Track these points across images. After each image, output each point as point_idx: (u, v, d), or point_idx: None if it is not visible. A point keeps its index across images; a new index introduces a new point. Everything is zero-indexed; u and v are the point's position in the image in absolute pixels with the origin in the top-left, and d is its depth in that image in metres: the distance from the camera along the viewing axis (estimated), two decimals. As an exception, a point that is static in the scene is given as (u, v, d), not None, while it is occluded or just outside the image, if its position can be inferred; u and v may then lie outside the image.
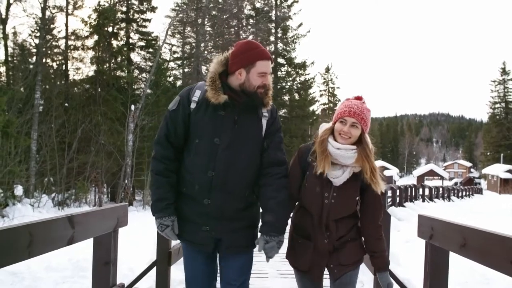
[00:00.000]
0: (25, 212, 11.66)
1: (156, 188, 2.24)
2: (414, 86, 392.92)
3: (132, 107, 19.02)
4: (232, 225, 2.23)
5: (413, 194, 18.54)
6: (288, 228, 2.41)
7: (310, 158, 2.28)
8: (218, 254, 2.39)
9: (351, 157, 2.16)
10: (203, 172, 2.19)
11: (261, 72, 2.18)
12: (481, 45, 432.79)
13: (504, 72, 60.43)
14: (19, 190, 12.22)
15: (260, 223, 2.30)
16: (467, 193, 31.61)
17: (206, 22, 26.78)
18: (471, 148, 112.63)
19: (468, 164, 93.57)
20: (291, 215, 2.45)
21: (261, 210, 2.32)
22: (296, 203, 2.42)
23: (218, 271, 2.46)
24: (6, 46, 18.09)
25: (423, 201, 19.97)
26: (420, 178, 67.13)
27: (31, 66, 19.07)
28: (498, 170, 52.74)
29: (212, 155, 2.18)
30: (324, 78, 44.82)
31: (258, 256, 2.47)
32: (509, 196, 36.29)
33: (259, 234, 2.30)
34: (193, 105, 2.22)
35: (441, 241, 2.43)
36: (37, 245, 1.78)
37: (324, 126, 2.33)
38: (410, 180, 66.83)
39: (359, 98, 2.27)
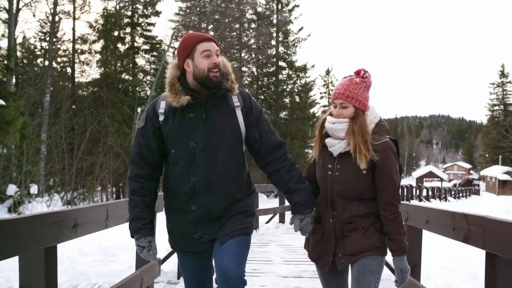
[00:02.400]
0: (41, 210, 12.36)
1: (131, 208, 2.19)
2: (414, 88, 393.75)
3: (139, 109, 19.70)
4: (221, 221, 2.19)
5: (410, 194, 19.17)
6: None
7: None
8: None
9: (343, 129, 2.14)
10: (185, 180, 2.14)
11: (203, 51, 2.10)
12: (482, 47, 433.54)
13: (503, 74, 60.98)
14: (34, 188, 12.88)
15: (291, 205, 2.28)
16: (464, 194, 32.21)
17: (209, 27, 27.40)
18: (471, 150, 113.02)
19: (468, 166, 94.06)
20: None
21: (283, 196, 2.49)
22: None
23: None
24: (15, 50, 18.77)
25: (420, 201, 20.64)
26: (419, 180, 67.70)
27: (36, 69, 19.77)
28: (496, 171, 53.33)
29: (190, 160, 2.13)
30: (325, 81, 45.39)
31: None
32: (505, 198, 36.82)
33: (290, 216, 2.29)
34: (161, 118, 2.16)
35: (413, 221, 3.07)
36: (112, 219, 2.44)
37: (328, 110, 2.32)
38: (409, 181, 67.31)
39: (358, 73, 2.21)
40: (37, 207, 12.56)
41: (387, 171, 2.11)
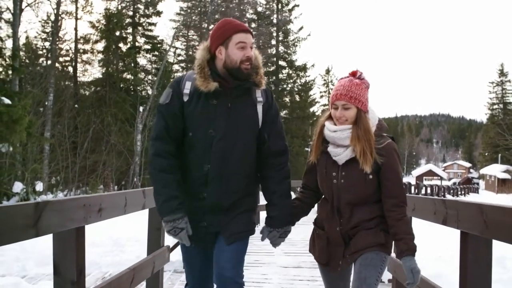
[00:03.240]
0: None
1: (162, 187, 2.05)
2: (414, 87, 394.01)
3: (141, 108, 20.01)
4: (229, 215, 2.14)
5: (409, 192, 19.45)
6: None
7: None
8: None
9: (347, 137, 2.08)
10: (198, 166, 2.09)
11: (239, 43, 2.05)
12: (482, 46, 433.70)
13: (502, 73, 61.29)
14: (40, 186, 13.17)
15: (266, 216, 2.25)
16: (462, 192, 32.50)
17: (210, 26, 27.68)
18: (471, 148, 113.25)
19: (468, 164, 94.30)
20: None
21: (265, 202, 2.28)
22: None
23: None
24: (18, 50, 19.05)
25: (418, 198, 20.89)
26: (419, 178, 68.03)
27: (39, 68, 20.07)
28: (495, 170, 53.61)
29: (207, 147, 2.07)
30: (325, 80, 45.59)
31: (266, 239, 2.25)
32: (504, 196, 37.09)
33: (263, 225, 2.26)
34: (185, 98, 2.10)
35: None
36: (130, 206, 2.72)
37: (326, 113, 2.28)
38: (409, 180, 67.64)
39: (354, 74, 2.16)
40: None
41: (393, 172, 2.08)
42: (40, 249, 5.26)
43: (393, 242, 2.22)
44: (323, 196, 2.27)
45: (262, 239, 2.24)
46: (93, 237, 5.73)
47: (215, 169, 2.08)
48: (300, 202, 2.32)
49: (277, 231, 2.19)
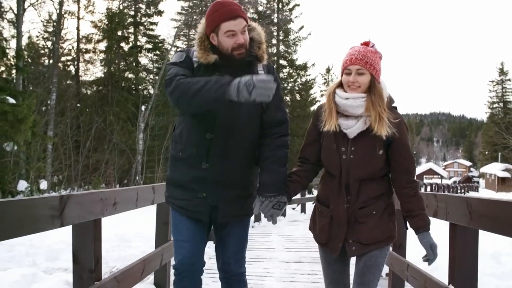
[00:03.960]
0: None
1: (198, 81, 1.93)
2: (415, 85, 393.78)
3: (143, 107, 20.18)
4: (229, 192, 2.11)
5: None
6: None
7: (323, 115, 2.10)
8: (212, 230, 2.29)
9: (360, 105, 1.98)
10: (201, 134, 2.07)
11: (227, 32, 2.01)
12: (482, 45, 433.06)
13: (502, 72, 61.35)
14: (44, 184, 13.38)
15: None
16: (462, 190, 32.64)
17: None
18: (471, 147, 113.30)
19: (468, 163, 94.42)
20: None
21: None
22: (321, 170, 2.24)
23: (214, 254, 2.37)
24: (22, 50, 19.23)
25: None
26: (420, 177, 68.08)
27: (41, 68, 20.27)
28: (495, 168, 53.78)
29: (210, 117, 2.05)
30: (325, 79, 45.61)
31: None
32: (504, 194, 37.20)
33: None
34: (195, 64, 2.09)
35: (398, 203, 3.49)
36: (141, 201, 2.90)
37: (335, 81, 2.16)
38: (409, 179, 67.57)
39: (366, 44, 2.07)
40: (47, 202, 13.07)
41: (406, 148, 2.02)
42: (49, 244, 5.44)
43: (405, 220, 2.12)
44: (326, 171, 2.16)
45: (255, 212, 2.13)
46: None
47: (218, 139, 2.06)
48: (297, 176, 2.18)
49: (269, 200, 2.07)
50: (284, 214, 11.36)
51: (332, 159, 2.06)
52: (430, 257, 1.99)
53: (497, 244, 6.27)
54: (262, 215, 2.09)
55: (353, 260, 2.17)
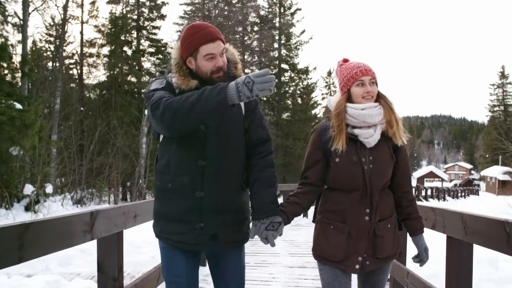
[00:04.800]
0: (56, 209, 13.07)
1: (190, 96, 1.82)
2: (416, 88, 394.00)
3: (146, 111, 20.32)
4: (225, 217, 2.05)
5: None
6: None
7: (332, 134, 2.07)
8: (207, 262, 2.22)
9: (378, 113, 2.03)
10: (192, 162, 1.99)
11: (206, 55, 1.98)
12: (484, 48, 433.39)
13: (503, 76, 61.59)
14: (50, 188, 13.56)
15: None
16: (463, 194, 32.78)
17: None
18: (472, 150, 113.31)
19: (469, 166, 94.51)
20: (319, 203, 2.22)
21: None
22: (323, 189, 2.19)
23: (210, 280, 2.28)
24: (27, 55, 19.44)
25: (418, 200, 21.22)
26: (420, 180, 68.32)
27: (46, 72, 20.48)
28: (496, 172, 53.88)
29: (200, 143, 1.99)
30: (326, 82, 45.80)
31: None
32: (504, 198, 37.21)
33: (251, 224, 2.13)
34: (177, 91, 2.01)
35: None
36: (141, 217, 3.03)
37: (332, 100, 2.16)
38: (410, 181, 67.75)
39: (346, 61, 2.15)
40: (52, 206, 13.25)
41: (406, 155, 2.12)
42: (59, 250, 5.58)
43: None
44: (333, 190, 2.11)
45: (251, 237, 2.09)
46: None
47: (211, 164, 1.99)
48: (296, 198, 2.13)
49: (262, 222, 2.01)
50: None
51: (354, 172, 2.03)
52: (423, 259, 2.12)
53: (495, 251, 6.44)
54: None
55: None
